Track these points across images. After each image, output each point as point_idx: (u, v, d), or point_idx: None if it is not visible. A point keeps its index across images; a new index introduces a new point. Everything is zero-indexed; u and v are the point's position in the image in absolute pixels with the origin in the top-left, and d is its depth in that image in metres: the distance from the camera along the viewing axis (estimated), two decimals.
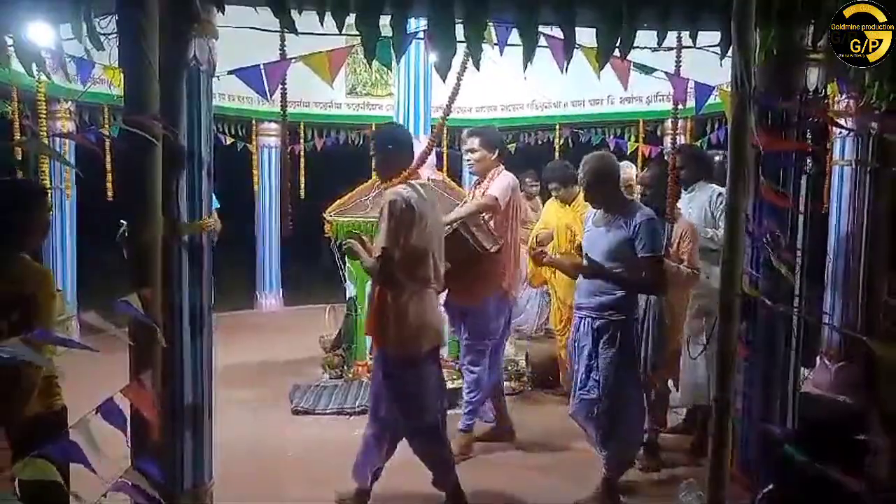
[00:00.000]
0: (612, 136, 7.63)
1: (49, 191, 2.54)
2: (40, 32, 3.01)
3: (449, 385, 4.54)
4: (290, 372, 5.59)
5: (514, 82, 5.94)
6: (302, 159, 7.89)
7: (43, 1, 2.63)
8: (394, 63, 5.03)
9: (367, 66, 7.56)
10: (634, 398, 3.47)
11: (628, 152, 7.43)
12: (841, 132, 4.76)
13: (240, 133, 7.79)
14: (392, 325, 3.18)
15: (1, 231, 2.34)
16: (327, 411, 4.65)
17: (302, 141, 7.93)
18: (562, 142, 7.77)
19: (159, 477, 2.10)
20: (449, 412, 4.14)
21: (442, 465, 3.38)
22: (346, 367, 5.29)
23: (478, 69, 2.59)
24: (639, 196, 4.05)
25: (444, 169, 7.65)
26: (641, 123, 7.27)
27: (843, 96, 4.64)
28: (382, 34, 2.50)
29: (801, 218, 2.82)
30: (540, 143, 8.11)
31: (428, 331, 3.25)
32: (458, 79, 3.55)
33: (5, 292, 2.25)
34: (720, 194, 4.00)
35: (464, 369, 4.23)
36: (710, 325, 3.89)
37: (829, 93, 4.83)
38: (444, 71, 2.58)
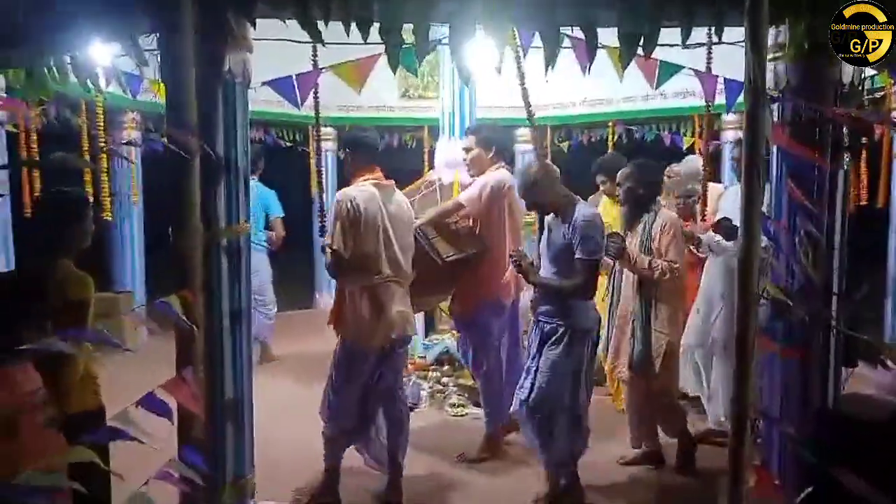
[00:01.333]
0: (666, 132, 7.51)
1: (89, 200, 2.70)
2: (101, 50, 3.24)
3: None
4: None
5: (566, 80, 5.91)
6: None
7: (95, 22, 2.80)
8: (443, 65, 5.19)
9: (394, 72, 7.63)
10: (567, 405, 3.36)
11: (684, 147, 7.30)
12: None
13: (297, 138, 8.03)
14: (348, 317, 3.35)
15: (45, 239, 2.53)
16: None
17: None
18: (615, 139, 7.68)
19: (203, 467, 2.23)
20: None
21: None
22: None
23: (499, 73, 2.63)
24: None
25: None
26: (696, 118, 7.11)
27: None
28: (406, 42, 2.59)
29: (838, 214, 2.75)
30: (593, 140, 8.05)
31: (383, 325, 3.33)
32: (522, 84, 3.62)
33: (50, 297, 2.43)
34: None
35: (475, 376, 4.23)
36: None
37: (882, 84, 4.68)
38: (468, 76, 2.64)
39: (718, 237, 3.88)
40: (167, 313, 2.28)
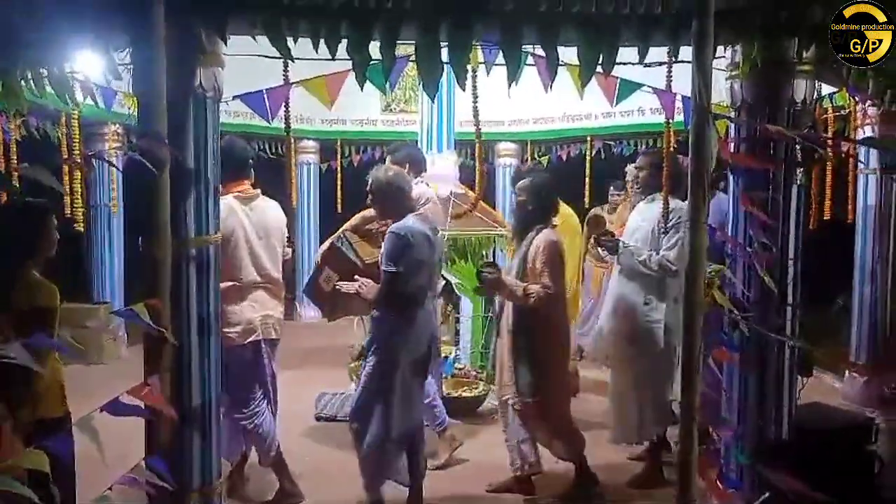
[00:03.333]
0: (644, 147, 7.63)
1: (49, 210, 2.75)
2: (77, 63, 3.30)
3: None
4: (322, 381, 5.77)
5: (545, 95, 6.00)
6: (339, 174, 8.16)
7: (70, 35, 2.85)
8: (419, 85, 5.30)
9: (361, 88, 7.75)
10: (372, 418, 3.38)
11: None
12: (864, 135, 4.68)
13: (279, 151, 8.08)
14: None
15: (10, 248, 2.57)
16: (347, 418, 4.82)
17: (339, 157, 8.21)
18: (594, 153, 7.79)
19: (168, 474, 2.27)
20: None
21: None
22: None
23: (462, 89, 2.72)
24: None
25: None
26: (672, 134, 7.21)
27: (865, 104, 4.60)
28: (373, 59, 2.66)
29: (792, 227, 2.84)
30: (572, 155, 8.15)
31: (244, 327, 3.52)
32: (474, 101, 3.69)
33: (15, 305, 2.48)
34: (673, 209, 3.63)
35: None
36: (645, 353, 3.75)
37: (841, 103, 4.81)
38: (433, 91, 2.72)
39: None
40: (134, 321, 2.34)
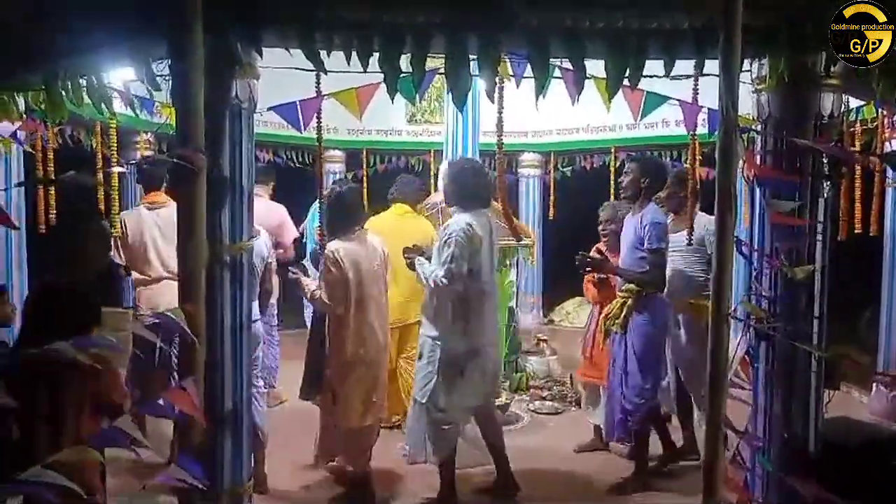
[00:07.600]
0: (668, 159, 7.62)
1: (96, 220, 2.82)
2: (116, 74, 3.40)
3: None
4: None
5: (569, 107, 6.00)
6: (365, 183, 8.24)
7: (111, 47, 2.95)
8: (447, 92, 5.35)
9: (392, 100, 7.85)
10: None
11: None
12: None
13: (306, 160, 8.19)
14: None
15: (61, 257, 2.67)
16: None
17: (364, 166, 8.30)
18: (617, 165, 7.80)
19: (201, 475, 2.33)
20: None
21: None
22: None
23: (491, 101, 2.77)
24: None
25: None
26: (696, 146, 7.20)
27: (893, 118, 4.57)
28: (404, 71, 2.72)
29: (818, 240, 2.84)
30: (596, 166, 8.18)
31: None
32: (499, 112, 3.71)
33: None
34: (448, 224, 3.72)
35: None
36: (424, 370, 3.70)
37: (866, 117, 4.78)
38: (461, 104, 2.77)
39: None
40: (170, 326, 2.41)
